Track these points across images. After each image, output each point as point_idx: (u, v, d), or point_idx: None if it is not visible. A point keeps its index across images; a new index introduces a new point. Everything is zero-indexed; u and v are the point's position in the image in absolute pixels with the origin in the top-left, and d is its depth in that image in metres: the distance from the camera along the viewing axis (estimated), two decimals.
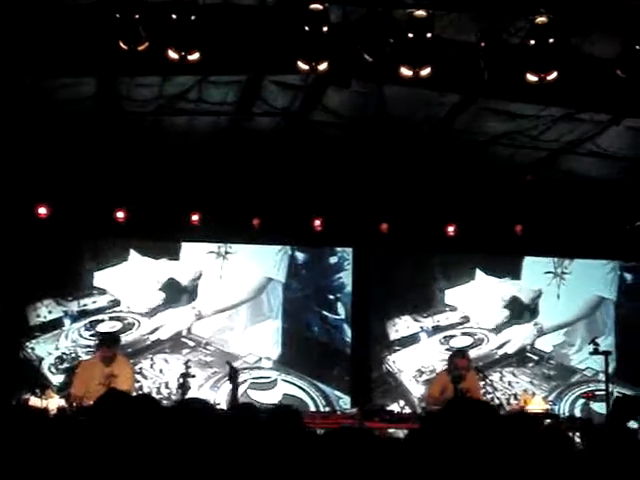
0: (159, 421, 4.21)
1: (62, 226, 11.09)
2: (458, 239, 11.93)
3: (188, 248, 11.91)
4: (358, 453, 3.62)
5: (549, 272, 12.60)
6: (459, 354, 10.18)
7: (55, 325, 11.44)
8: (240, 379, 8.65)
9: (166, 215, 11.18)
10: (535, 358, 12.45)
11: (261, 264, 12.10)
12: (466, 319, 12.40)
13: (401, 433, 9.25)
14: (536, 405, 9.66)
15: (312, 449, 3.95)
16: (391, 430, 9.57)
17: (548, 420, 9.21)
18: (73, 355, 11.32)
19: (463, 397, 8.69)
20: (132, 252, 11.74)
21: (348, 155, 10.83)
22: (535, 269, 12.67)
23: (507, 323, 12.50)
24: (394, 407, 11.21)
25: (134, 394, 9.47)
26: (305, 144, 10.63)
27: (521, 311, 12.57)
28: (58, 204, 10.91)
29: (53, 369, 11.26)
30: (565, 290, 12.63)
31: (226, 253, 11.99)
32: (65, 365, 11.23)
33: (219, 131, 10.46)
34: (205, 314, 11.85)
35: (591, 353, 10.47)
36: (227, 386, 10.18)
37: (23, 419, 5.23)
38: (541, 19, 7.61)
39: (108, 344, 9.61)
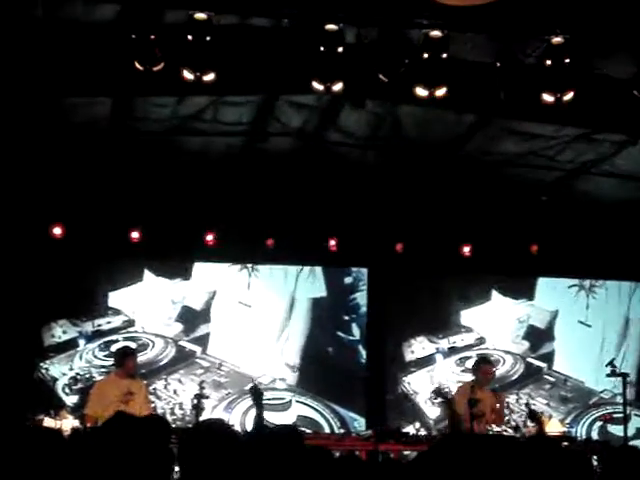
0: (172, 443, 4.19)
1: (76, 246, 11.08)
2: (474, 259, 11.87)
3: (202, 268, 11.89)
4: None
5: (574, 285, 12.50)
6: (486, 361, 9.93)
7: (69, 345, 11.43)
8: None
9: (181, 235, 11.18)
10: (552, 380, 12.35)
11: (275, 285, 12.06)
12: (482, 340, 12.31)
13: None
14: (553, 427, 9.56)
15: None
16: (406, 452, 9.50)
17: (565, 443, 9.11)
18: (87, 376, 11.29)
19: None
20: (147, 272, 11.73)
21: (363, 175, 10.81)
22: (552, 290, 12.60)
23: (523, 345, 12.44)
24: (409, 429, 11.12)
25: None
26: (320, 164, 10.61)
27: (537, 332, 12.48)
28: (73, 224, 10.91)
29: (67, 390, 11.24)
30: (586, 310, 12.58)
31: (239, 273, 11.97)
32: (79, 386, 11.20)
33: (234, 151, 10.46)
34: (219, 335, 11.81)
35: (608, 375, 10.34)
36: (243, 407, 10.15)
37: (37, 440, 5.21)
38: (557, 39, 7.60)
39: (132, 353, 9.56)
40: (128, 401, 9.25)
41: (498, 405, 9.53)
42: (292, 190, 11.00)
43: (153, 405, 10.82)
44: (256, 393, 8.45)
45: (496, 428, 9.21)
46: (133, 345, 10.78)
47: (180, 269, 11.82)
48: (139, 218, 11.10)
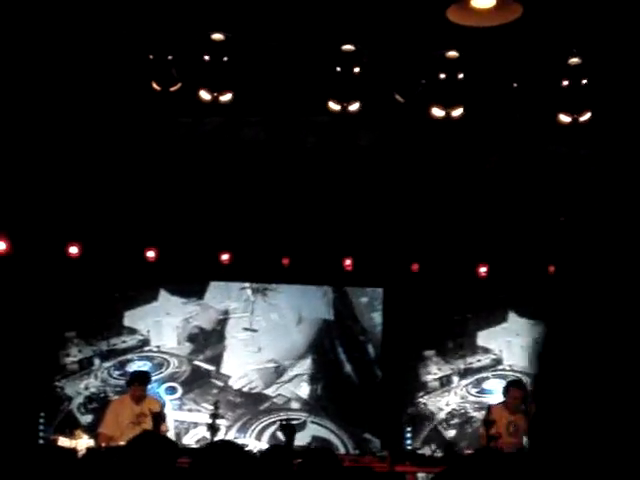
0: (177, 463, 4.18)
1: (93, 265, 11.13)
2: (490, 280, 11.84)
3: (217, 287, 11.90)
4: None
5: None
6: (515, 384, 10.00)
7: (84, 365, 11.44)
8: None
9: (196, 255, 11.19)
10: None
11: (291, 304, 12.05)
12: (498, 362, 12.25)
13: None
14: None
15: None
16: (421, 475, 9.45)
17: None
18: (102, 395, 11.30)
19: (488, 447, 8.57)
20: (162, 292, 11.74)
21: (380, 194, 10.82)
22: None
23: None
24: (425, 450, 11.06)
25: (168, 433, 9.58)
26: (335, 183, 10.63)
27: None
28: (89, 243, 10.95)
29: (82, 409, 11.24)
30: None
31: (255, 292, 11.97)
32: (94, 405, 11.20)
33: (249, 170, 10.49)
34: (233, 354, 11.81)
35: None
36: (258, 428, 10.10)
37: (52, 459, 5.22)
38: (574, 60, 7.60)
39: (140, 382, 9.59)
40: (141, 422, 9.27)
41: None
42: (308, 209, 11.02)
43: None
44: (288, 429, 8.38)
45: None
46: (146, 366, 10.66)
47: (195, 288, 11.83)
48: (155, 237, 11.13)
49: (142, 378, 9.70)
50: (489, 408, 9.27)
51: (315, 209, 11.02)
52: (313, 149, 10.06)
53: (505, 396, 9.81)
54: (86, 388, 11.32)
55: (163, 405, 10.09)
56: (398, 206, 11.08)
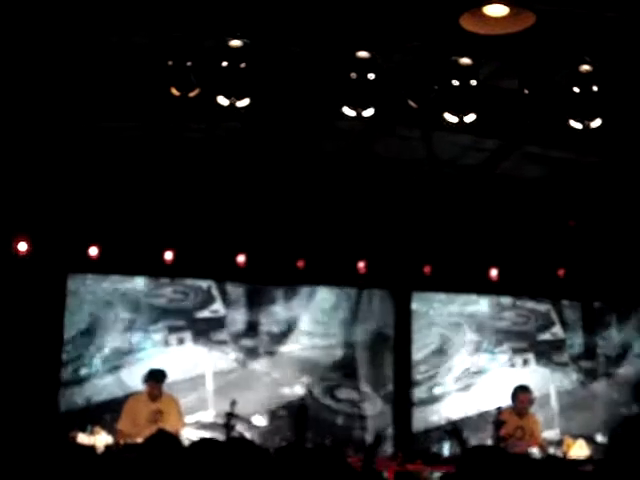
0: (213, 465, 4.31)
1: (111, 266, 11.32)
2: (501, 282, 11.95)
3: (232, 289, 12.05)
4: None
5: None
6: (522, 389, 10.22)
7: None
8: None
9: (211, 256, 11.33)
10: None
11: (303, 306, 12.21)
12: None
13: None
14: (578, 449, 9.62)
15: None
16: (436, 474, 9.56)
17: (588, 466, 9.16)
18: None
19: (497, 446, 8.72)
20: None
21: (392, 197, 10.93)
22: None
23: None
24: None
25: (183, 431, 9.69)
26: (349, 187, 10.75)
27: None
28: (108, 245, 11.11)
29: (102, 405, 11.34)
30: None
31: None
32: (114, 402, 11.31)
33: (266, 174, 10.62)
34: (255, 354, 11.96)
35: None
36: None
37: (71, 455, 5.35)
38: (585, 67, 7.70)
39: (155, 379, 9.72)
40: (157, 420, 9.41)
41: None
42: (322, 212, 11.14)
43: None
44: (302, 412, 8.44)
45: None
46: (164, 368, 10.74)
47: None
48: (172, 239, 11.27)
49: (158, 376, 9.83)
50: (499, 409, 9.42)
51: (330, 212, 11.14)
52: (331, 153, 10.18)
53: (513, 401, 10.03)
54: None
55: (179, 403, 10.19)
56: (412, 210, 11.18)
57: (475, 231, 11.50)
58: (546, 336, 12.59)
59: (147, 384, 9.74)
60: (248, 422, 11.24)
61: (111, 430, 9.64)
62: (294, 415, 8.45)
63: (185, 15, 7.37)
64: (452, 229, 11.47)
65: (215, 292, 11.97)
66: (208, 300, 11.91)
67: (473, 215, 11.23)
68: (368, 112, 7.94)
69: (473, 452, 5.47)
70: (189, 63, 7.65)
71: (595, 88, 7.75)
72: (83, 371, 11.30)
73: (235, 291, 11.99)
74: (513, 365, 12.42)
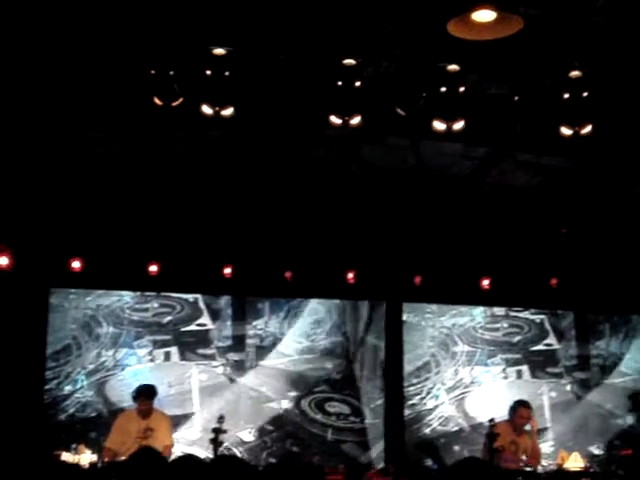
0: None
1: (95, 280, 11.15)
2: (493, 292, 11.86)
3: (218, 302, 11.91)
4: None
5: None
6: (523, 404, 9.94)
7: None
8: None
9: (197, 268, 11.19)
10: None
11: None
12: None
13: None
14: (573, 462, 9.49)
15: None
16: None
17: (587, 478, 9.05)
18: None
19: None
20: None
21: (382, 207, 10.84)
22: None
23: None
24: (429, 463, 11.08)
25: (173, 449, 9.54)
26: (338, 196, 10.65)
27: None
28: (91, 258, 10.96)
29: (87, 424, 11.19)
30: None
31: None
32: (99, 419, 11.14)
33: (251, 185, 10.51)
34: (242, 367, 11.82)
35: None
36: None
37: (56, 474, 5.22)
38: (575, 73, 7.62)
39: (146, 395, 9.56)
40: (147, 437, 9.27)
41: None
42: (310, 223, 11.03)
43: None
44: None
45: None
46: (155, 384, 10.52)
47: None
48: (156, 251, 11.14)
49: (148, 392, 9.66)
50: (492, 421, 9.24)
51: (318, 222, 11.04)
52: (318, 162, 10.08)
53: (512, 415, 9.78)
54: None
55: (170, 420, 10.03)
56: (401, 219, 11.09)
57: (466, 240, 11.42)
58: (540, 347, 12.47)
59: (137, 401, 9.57)
60: (236, 438, 11.09)
61: (95, 447, 9.50)
62: None
63: (168, 23, 7.27)
64: (443, 239, 11.39)
65: (202, 305, 11.86)
66: (194, 314, 11.79)
67: (464, 224, 11.15)
68: (355, 120, 7.85)
69: (460, 465, 5.37)
70: (172, 72, 7.54)
71: (585, 94, 7.67)
72: (67, 387, 11.17)
73: (221, 304, 11.87)
74: (506, 377, 12.29)
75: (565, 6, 6.98)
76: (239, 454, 10.99)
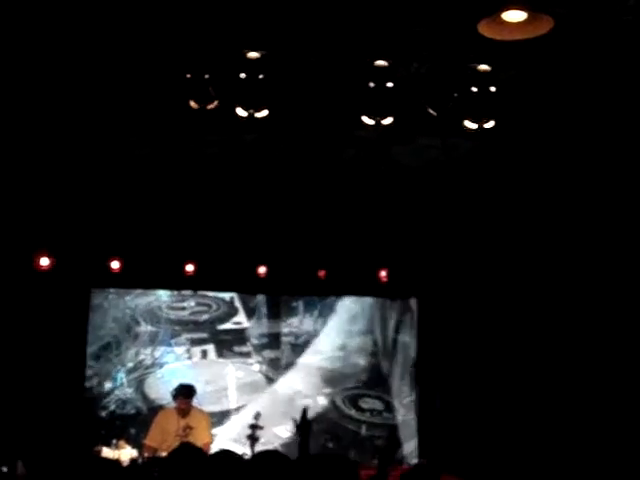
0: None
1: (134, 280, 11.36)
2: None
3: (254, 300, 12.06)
4: None
5: None
6: (181, 392, 9.76)
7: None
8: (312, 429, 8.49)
9: (232, 268, 11.34)
10: None
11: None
12: None
13: None
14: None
15: None
16: None
17: None
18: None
19: None
20: None
21: (411, 206, 10.92)
22: None
23: None
24: None
25: (212, 445, 9.65)
26: (370, 195, 10.74)
27: None
28: (130, 258, 11.14)
29: (127, 420, 11.31)
30: None
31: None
32: (139, 416, 11.27)
33: (284, 185, 10.62)
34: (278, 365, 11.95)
35: None
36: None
37: (97, 470, 5.35)
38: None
39: (185, 395, 9.71)
40: (187, 435, 9.39)
41: None
42: (342, 222, 11.12)
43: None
44: (304, 421, 8.38)
45: None
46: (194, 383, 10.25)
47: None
48: (194, 251, 11.28)
49: (187, 392, 9.77)
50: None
51: (350, 222, 11.13)
52: (349, 163, 10.17)
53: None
54: None
55: (209, 417, 10.14)
56: (432, 217, 11.16)
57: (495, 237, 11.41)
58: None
59: (177, 400, 9.70)
60: (272, 434, 11.20)
61: (135, 444, 9.67)
62: (298, 421, 8.30)
63: (203, 28, 7.39)
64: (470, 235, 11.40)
65: (238, 304, 12.01)
66: (231, 312, 11.94)
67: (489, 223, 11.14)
68: (387, 120, 7.95)
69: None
70: (207, 75, 7.67)
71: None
72: (107, 385, 11.37)
73: (257, 302, 12.01)
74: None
75: (595, 5, 7.01)
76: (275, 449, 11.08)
